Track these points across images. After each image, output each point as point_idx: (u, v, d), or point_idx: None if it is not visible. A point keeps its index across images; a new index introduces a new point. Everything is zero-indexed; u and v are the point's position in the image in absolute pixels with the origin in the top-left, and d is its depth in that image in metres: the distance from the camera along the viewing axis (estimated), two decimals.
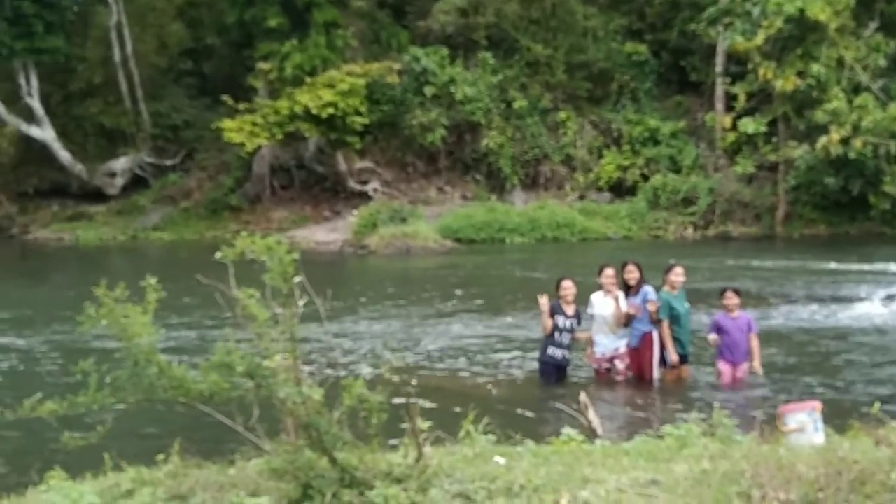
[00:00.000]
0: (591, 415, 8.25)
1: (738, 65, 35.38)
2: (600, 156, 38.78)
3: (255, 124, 35.19)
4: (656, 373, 11.98)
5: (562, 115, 39.17)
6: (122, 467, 5.96)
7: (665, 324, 11.88)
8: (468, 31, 39.37)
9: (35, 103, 39.43)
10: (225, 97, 36.28)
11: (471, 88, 37.75)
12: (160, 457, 5.98)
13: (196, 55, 44.10)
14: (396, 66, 36.89)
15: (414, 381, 11.40)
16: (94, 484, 5.63)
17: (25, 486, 6.15)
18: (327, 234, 35.03)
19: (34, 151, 40.91)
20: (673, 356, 11.88)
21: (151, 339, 4.90)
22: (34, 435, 9.22)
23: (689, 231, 34.80)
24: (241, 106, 35.55)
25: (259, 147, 36.29)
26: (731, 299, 11.98)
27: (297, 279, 4.90)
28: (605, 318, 12.14)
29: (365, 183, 38.34)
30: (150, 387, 4.87)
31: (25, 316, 18.71)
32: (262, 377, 4.82)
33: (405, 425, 5.12)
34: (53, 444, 6.40)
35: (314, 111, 34.76)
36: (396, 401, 5.64)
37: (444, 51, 38.51)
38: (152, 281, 5.15)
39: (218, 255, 4.93)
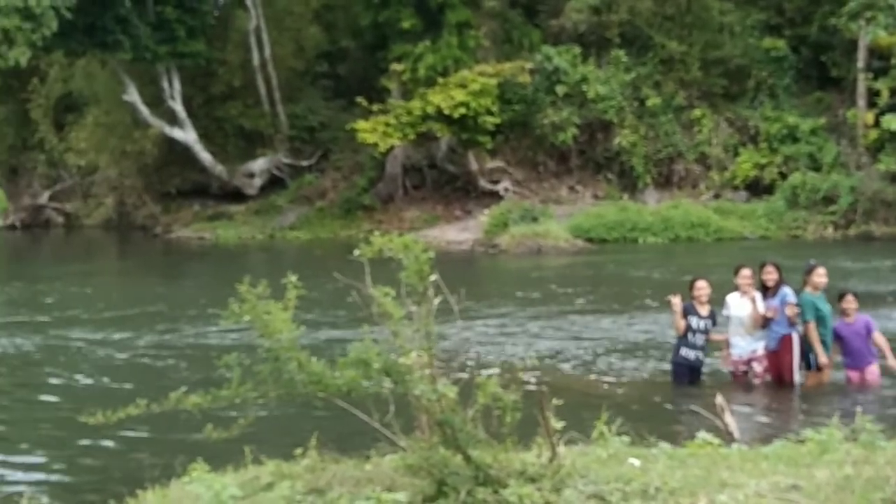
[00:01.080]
0: (728, 418, 8.08)
1: (881, 60, 34.18)
2: (736, 154, 38.00)
3: (388, 125, 35.61)
4: (797, 376, 11.64)
5: (696, 112, 38.51)
6: (262, 461, 6.10)
7: (812, 325, 11.53)
8: (601, 28, 39.07)
9: (178, 106, 40.71)
10: (359, 99, 36.80)
11: (603, 87, 37.46)
12: (298, 451, 6.10)
13: (331, 58, 44.91)
14: (528, 66, 36.87)
15: (545, 381, 11.36)
16: (235, 476, 5.78)
17: (169, 478, 6.34)
18: (458, 233, 35.20)
19: (177, 153, 42.28)
20: (822, 358, 11.51)
21: (292, 335, 5.02)
22: (177, 428, 9.51)
23: (830, 231, 33.75)
24: (375, 107, 36.02)
25: (392, 147, 36.72)
26: (851, 303, 11.61)
27: (432, 277, 4.95)
28: (742, 320, 11.86)
29: (496, 182, 38.40)
30: (290, 381, 4.98)
31: (166, 312, 19.32)
32: (398, 374, 4.88)
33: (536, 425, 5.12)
34: (196, 437, 6.63)
35: (446, 111, 34.98)
36: (528, 399, 5.63)
37: (577, 49, 38.30)
38: (293, 278, 5.27)
39: (356, 252, 5.02)
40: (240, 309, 5.11)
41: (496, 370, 12.41)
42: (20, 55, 34.32)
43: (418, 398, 4.86)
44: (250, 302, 5.09)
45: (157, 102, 41.03)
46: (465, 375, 5.36)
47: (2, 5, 33.21)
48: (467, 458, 4.83)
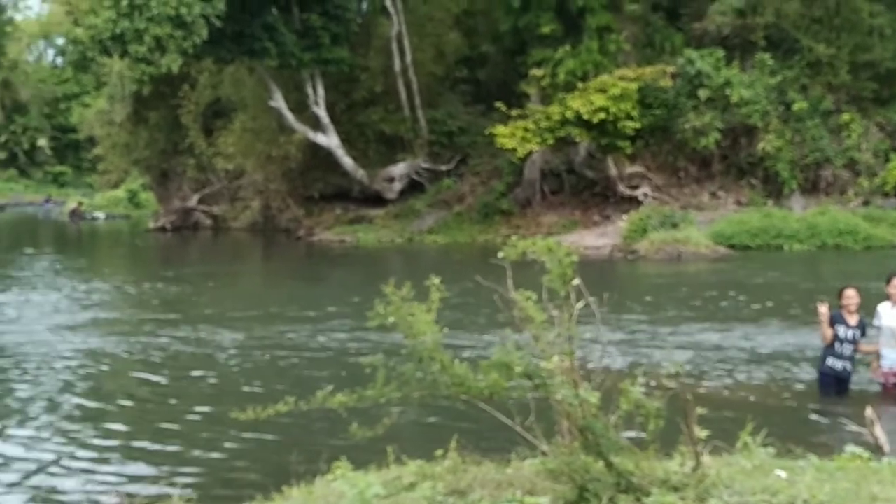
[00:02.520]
0: (878, 431, 7.83)
1: None
2: (887, 159, 36.68)
3: (526, 130, 35.59)
4: None
5: (845, 116, 37.33)
6: (403, 461, 6.19)
7: None
8: (745, 31, 38.23)
9: (321, 112, 41.55)
10: (498, 104, 36.90)
11: (747, 91, 36.64)
12: (438, 452, 6.16)
13: (471, 63, 45.15)
14: (670, 70, 36.35)
15: (685, 389, 11.20)
16: (378, 476, 5.88)
17: (314, 475, 6.49)
18: (596, 238, 34.93)
19: (320, 158, 43.15)
20: None
21: (435, 337, 5.09)
22: (322, 426, 9.73)
23: None
24: (514, 112, 36.05)
25: (530, 152, 36.68)
26: None
27: (575, 281, 4.95)
28: (893, 331, 11.47)
29: (635, 188, 37.99)
30: (433, 383, 5.06)
31: (310, 312, 19.73)
32: (540, 378, 4.89)
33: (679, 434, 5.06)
34: (341, 436, 6.77)
35: (585, 116, 34.75)
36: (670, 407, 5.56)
37: (720, 53, 37.56)
38: (436, 281, 5.35)
39: (500, 255, 5.06)
40: (385, 310, 5.21)
41: (639, 377, 12.28)
42: (172, 62, 35.63)
43: (560, 403, 4.86)
44: (395, 303, 5.18)
45: (301, 108, 41.94)
46: (606, 381, 5.30)
47: (155, 14, 34.52)
48: (609, 465, 4.81)
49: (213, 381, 13.86)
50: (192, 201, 50.06)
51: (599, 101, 34.78)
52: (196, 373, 14.29)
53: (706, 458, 5.13)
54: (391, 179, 42.72)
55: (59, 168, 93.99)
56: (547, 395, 4.96)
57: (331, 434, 8.92)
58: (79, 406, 12.33)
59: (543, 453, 5.31)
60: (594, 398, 4.81)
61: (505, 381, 4.97)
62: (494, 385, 4.97)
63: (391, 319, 5.24)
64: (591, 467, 4.84)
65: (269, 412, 5.53)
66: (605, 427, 4.81)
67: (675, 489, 4.79)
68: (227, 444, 10.07)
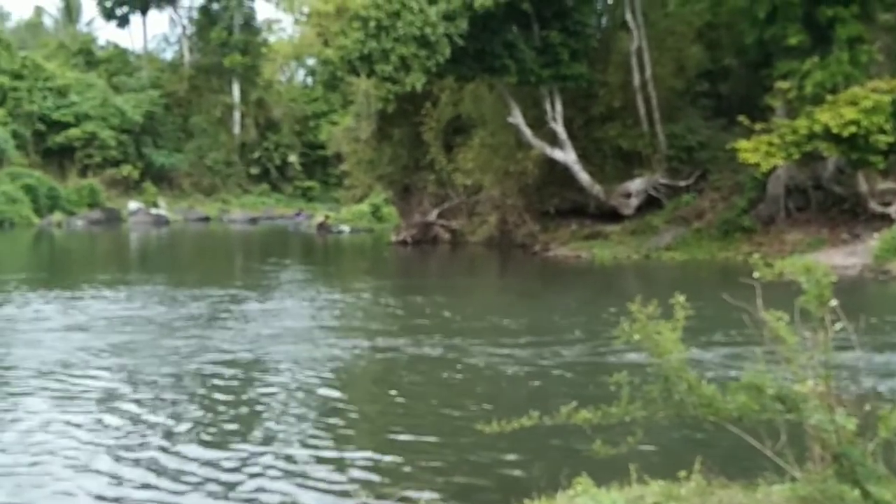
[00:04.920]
0: None
1: None
2: None
3: (771, 144, 34.45)
4: None
5: None
6: (645, 480, 6.14)
7: None
8: None
9: (559, 128, 41.72)
10: (741, 117, 35.94)
11: None
12: (682, 473, 6.08)
13: (712, 76, 44.21)
14: None
15: None
16: (621, 493, 5.86)
17: (555, 489, 6.53)
18: (845, 258, 33.32)
19: (556, 173, 43.29)
20: None
21: (681, 356, 5.04)
22: (564, 440, 9.77)
23: None
24: (758, 126, 35.00)
25: (774, 167, 35.51)
26: None
27: (832, 303, 4.79)
28: None
29: (887, 205, 36.02)
30: (680, 403, 5.01)
31: (547, 327, 19.81)
32: (793, 402, 4.76)
33: None
34: (581, 451, 6.79)
35: (834, 130, 33.27)
36: None
37: None
38: (681, 298, 5.29)
39: (755, 275, 4.96)
40: (630, 328, 5.20)
41: None
42: (416, 80, 36.76)
43: (814, 428, 4.71)
44: (641, 321, 5.17)
45: (539, 124, 42.25)
46: (863, 407, 5.09)
47: (401, 34, 35.73)
48: (865, 494, 4.62)
49: (458, 390, 14.14)
50: (432, 216, 51.25)
51: (850, 114, 33.22)
52: (442, 382, 14.63)
53: None
54: (628, 195, 42.34)
55: (307, 183, 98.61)
56: (799, 420, 4.81)
57: (573, 449, 8.95)
58: (315, 408, 12.91)
59: (794, 479, 5.15)
60: (851, 424, 4.64)
61: (755, 403, 4.86)
62: (744, 407, 4.87)
63: (636, 337, 5.23)
64: (847, 496, 4.66)
65: (514, 426, 5.62)
66: (863, 454, 4.63)
67: None
68: (466, 455, 10.26)
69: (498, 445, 10.03)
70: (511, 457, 9.97)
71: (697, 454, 6.29)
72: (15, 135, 77.82)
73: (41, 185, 73.98)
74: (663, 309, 5.33)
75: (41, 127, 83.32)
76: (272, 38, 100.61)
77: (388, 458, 10.35)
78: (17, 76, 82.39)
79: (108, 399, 13.27)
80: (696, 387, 4.96)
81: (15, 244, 55.73)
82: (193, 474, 9.69)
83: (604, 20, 46.29)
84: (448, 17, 36.25)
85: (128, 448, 10.72)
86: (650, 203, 42.19)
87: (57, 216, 73.44)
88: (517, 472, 9.44)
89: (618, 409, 5.21)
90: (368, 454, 10.48)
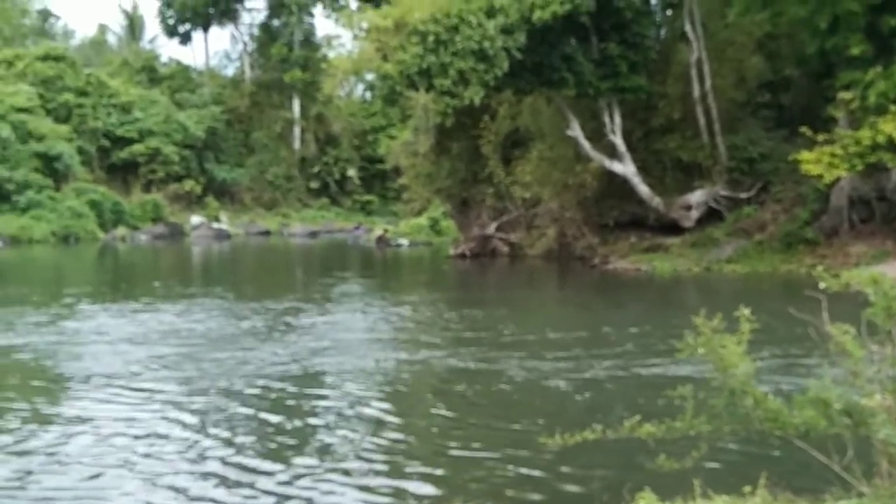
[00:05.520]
0: None
1: None
2: None
3: (834, 155, 34.05)
4: None
5: None
6: (710, 495, 6.10)
7: None
8: None
9: (617, 140, 41.56)
10: (803, 128, 35.55)
11: None
12: (747, 488, 6.03)
13: (773, 87, 43.78)
14: None
15: None
16: None
17: (618, 503, 6.52)
18: None
19: (615, 185, 43.10)
20: None
21: (747, 370, 5.01)
22: (627, 455, 9.72)
23: None
24: (820, 137, 34.60)
25: (838, 179, 35.05)
26: None
27: None
28: None
29: None
30: (745, 417, 4.97)
31: (607, 340, 19.72)
32: (860, 416, 4.71)
33: None
34: (644, 465, 6.76)
35: None
36: None
37: None
38: (746, 311, 5.26)
39: (821, 286, 4.92)
40: (695, 341, 5.18)
41: None
42: (474, 94, 36.86)
43: (882, 443, 4.66)
44: (705, 335, 5.14)
45: (597, 136, 42.12)
46: None
47: (459, 49, 35.87)
48: None
49: (521, 405, 14.12)
50: (491, 229, 51.24)
51: None
52: (509, 395, 14.64)
53: None
54: (688, 207, 42.02)
55: (366, 197, 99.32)
56: (867, 434, 4.76)
57: (636, 463, 8.90)
58: (369, 420, 12.99)
59: (861, 494, 5.09)
60: None
61: (822, 417, 4.81)
62: (810, 421, 4.82)
63: (701, 350, 5.20)
64: None
65: (577, 439, 5.62)
66: None
67: None
68: (522, 469, 10.23)
69: (553, 459, 10.00)
70: (567, 469, 9.94)
71: (762, 469, 6.24)
72: (80, 151, 79.26)
73: (106, 201, 75.36)
74: (727, 322, 5.31)
75: (105, 143, 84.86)
76: (331, 54, 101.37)
77: (441, 472, 10.39)
78: (82, 93, 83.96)
79: (167, 410, 13.47)
80: (762, 401, 4.92)
81: (80, 259, 56.80)
82: (251, 486, 9.80)
83: (663, 32, 46.05)
84: (506, 31, 36.32)
85: (188, 460, 10.87)
86: (711, 215, 41.82)
87: (121, 231, 74.77)
88: (574, 488, 9.41)
89: (683, 423, 5.18)
90: (423, 467, 10.51)
